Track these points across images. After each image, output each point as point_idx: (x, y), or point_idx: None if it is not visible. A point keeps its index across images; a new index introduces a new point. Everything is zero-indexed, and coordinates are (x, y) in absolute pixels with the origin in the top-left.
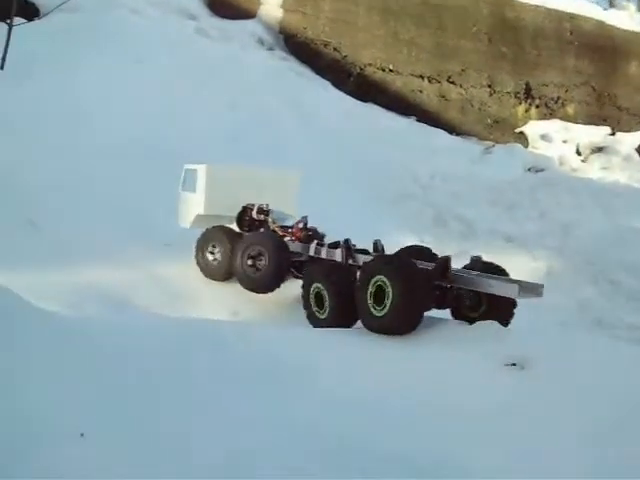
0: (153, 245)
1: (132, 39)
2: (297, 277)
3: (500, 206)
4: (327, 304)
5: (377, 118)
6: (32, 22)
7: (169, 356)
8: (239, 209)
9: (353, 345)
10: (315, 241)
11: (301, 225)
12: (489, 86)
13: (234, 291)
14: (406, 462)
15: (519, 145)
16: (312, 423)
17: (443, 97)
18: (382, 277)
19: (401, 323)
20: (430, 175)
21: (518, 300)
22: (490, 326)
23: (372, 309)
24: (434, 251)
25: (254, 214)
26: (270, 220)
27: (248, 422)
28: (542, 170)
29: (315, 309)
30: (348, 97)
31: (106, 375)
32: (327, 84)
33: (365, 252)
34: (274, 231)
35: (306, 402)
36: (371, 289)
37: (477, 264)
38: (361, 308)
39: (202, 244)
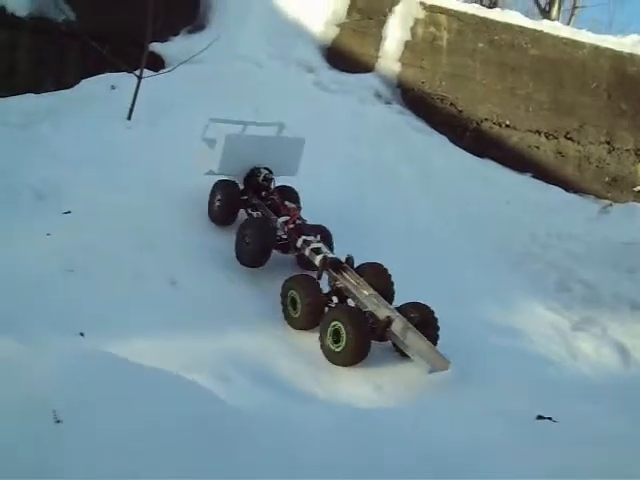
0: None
1: (251, 90)
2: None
3: (621, 269)
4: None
5: (494, 175)
6: (159, 74)
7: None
8: (247, 171)
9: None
10: (303, 237)
11: (298, 214)
12: (608, 143)
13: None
14: None
15: (639, 204)
16: None
17: (560, 153)
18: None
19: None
20: (547, 234)
21: None
22: None
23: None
24: None
25: (260, 180)
26: (272, 188)
27: None
28: None
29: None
30: (465, 153)
31: None
32: (444, 139)
33: (339, 263)
34: (275, 202)
35: None
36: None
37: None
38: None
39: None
